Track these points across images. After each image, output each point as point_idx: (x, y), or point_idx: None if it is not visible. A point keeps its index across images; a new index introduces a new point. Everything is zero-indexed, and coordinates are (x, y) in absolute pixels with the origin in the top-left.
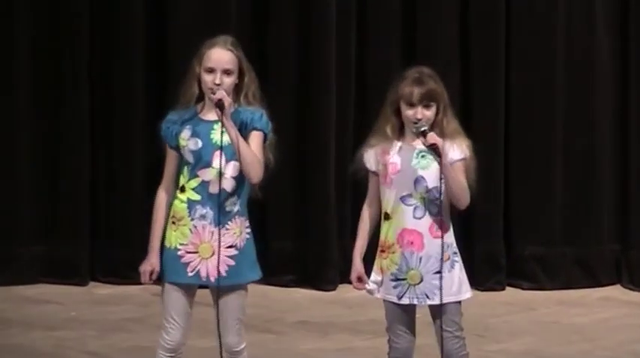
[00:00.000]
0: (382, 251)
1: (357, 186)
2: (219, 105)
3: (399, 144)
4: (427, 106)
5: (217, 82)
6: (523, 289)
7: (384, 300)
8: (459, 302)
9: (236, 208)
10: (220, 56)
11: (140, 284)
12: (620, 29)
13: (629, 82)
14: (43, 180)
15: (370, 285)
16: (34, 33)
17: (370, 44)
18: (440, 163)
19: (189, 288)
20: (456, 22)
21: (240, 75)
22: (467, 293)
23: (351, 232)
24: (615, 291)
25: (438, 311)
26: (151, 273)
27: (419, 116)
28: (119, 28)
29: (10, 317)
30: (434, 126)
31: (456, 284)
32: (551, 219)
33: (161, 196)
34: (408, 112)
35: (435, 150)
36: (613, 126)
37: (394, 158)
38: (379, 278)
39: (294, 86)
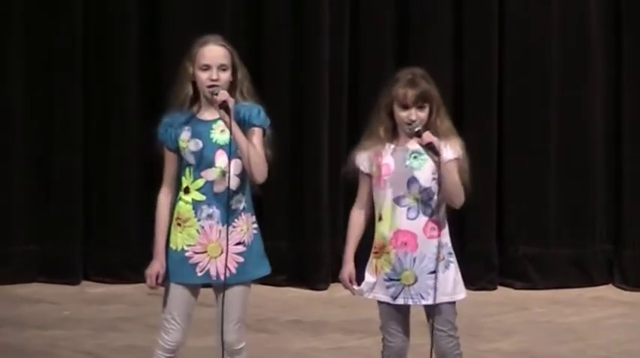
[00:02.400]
0: (376, 252)
1: (349, 186)
2: (224, 106)
3: (392, 145)
4: (421, 107)
5: (214, 77)
6: (516, 289)
7: (378, 301)
8: (454, 302)
9: (242, 205)
10: (215, 52)
11: (133, 283)
12: (614, 28)
13: (622, 84)
14: (36, 180)
15: (361, 286)
16: (29, 31)
17: (363, 44)
18: (437, 162)
19: (195, 289)
20: (449, 22)
21: (234, 71)
22: (461, 293)
23: (344, 232)
24: (608, 291)
25: (432, 311)
26: (157, 277)
27: (413, 117)
28: (113, 28)
29: (3, 317)
30: (427, 126)
31: (451, 284)
32: (544, 218)
33: (163, 199)
34: (402, 114)
35: (432, 148)
36: (606, 126)
37: (387, 159)
38: (373, 279)
39: (287, 87)
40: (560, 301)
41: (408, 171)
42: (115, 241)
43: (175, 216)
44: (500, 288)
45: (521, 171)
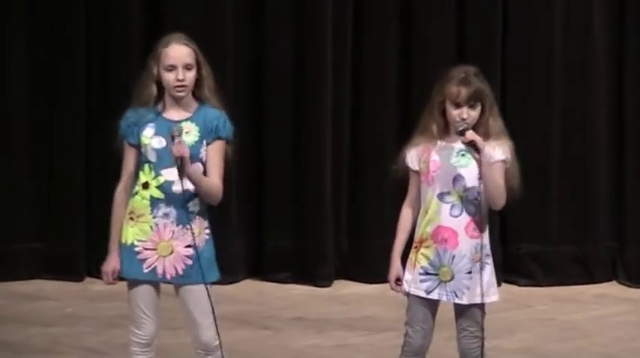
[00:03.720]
0: (415, 246)
1: (352, 184)
2: (179, 163)
3: (441, 142)
4: (473, 106)
5: (180, 77)
6: (519, 286)
7: (410, 294)
8: (484, 304)
9: (197, 208)
10: (179, 52)
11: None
12: (617, 30)
13: (625, 83)
14: (39, 177)
15: (403, 286)
16: (31, 32)
17: (366, 44)
18: (478, 160)
19: (153, 283)
20: (452, 21)
21: (198, 69)
22: (494, 296)
23: (347, 230)
24: (611, 288)
25: (461, 310)
26: (113, 273)
27: (464, 116)
28: (115, 30)
29: (6, 314)
30: (479, 125)
31: (485, 286)
32: (547, 215)
33: (121, 195)
34: (454, 112)
35: (473, 146)
36: (609, 124)
37: (435, 156)
38: (410, 276)
39: (289, 86)
40: (563, 298)
41: (455, 169)
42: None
43: (129, 209)
44: (503, 285)
45: (523, 169)
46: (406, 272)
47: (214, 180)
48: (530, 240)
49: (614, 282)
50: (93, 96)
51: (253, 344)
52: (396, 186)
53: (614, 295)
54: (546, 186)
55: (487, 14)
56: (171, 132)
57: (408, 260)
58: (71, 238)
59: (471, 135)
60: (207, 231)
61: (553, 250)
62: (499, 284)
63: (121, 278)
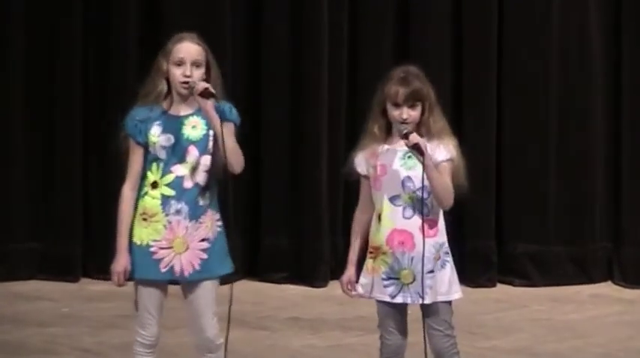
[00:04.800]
0: (371, 252)
1: (348, 184)
2: (207, 93)
3: (386, 145)
4: (412, 106)
5: (187, 73)
6: (514, 286)
7: (376, 300)
8: (449, 301)
9: (208, 202)
10: (189, 49)
11: (133, 280)
12: (614, 28)
13: (622, 83)
14: (36, 178)
15: (359, 290)
16: (29, 35)
17: (362, 43)
18: (422, 163)
19: (162, 284)
20: (448, 21)
21: (207, 69)
22: (456, 293)
23: (343, 230)
24: (607, 288)
25: (428, 310)
26: (124, 273)
27: (404, 116)
28: (113, 30)
29: (3, 314)
30: (420, 125)
31: (446, 284)
32: (543, 216)
33: (128, 194)
34: (394, 112)
35: (417, 149)
36: (606, 124)
37: (382, 160)
38: (367, 280)
39: (286, 85)
40: (559, 299)
41: (403, 171)
42: (114, 239)
43: (140, 211)
44: (499, 286)
45: (520, 169)
46: (362, 276)
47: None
48: (526, 241)
49: (610, 283)
50: (90, 96)
51: (249, 344)
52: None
53: (609, 295)
54: (543, 187)
55: (483, 16)
56: (187, 87)
57: (365, 265)
58: (68, 239)
59: (414, 138)
60: (219, 223)
61: (549, 250)
62: (494, 285)
63: (130, 280)
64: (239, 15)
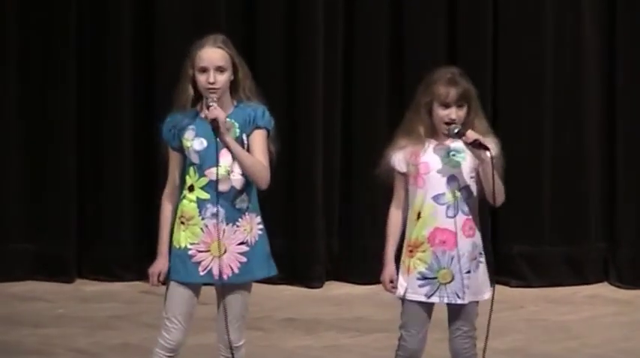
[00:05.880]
0: (410, 251)
1: (344, 185)
2: (214, 125)
3: (430, 144)
4: (460, 106)
5: (211, 80)
6: (510, 287)
7: (406, 299)
8: (477, 302)
9: (246, 205)
10: (211, 55)
11: (127, 281)
12: (609, 28)
13: (616, 83)
14: (31, 179)
15: (399, 290)
16: (22, 33)
17: (357, 44)
18: (490, 157)
19: (196, 288)
20: (443, 20)
21: (234, 71)
22: (487, 293)
23: (338, 231)
24: (603, 289)
25: (457, 311)
26: (159, 276)
27: (453, 116)
28: (106, 28)
29: None
30: (465, 125)
31: (479, 284)
32: (538, 216)
33: (166, 198)
34: (442, 113)
35: (479, 145)
36: (601, 124)
37: (425, 158)
38: (404, 280)
39: (281, 86)
40: (554, 299)
41: (448, 170)
42: (109, 239)
43: (179, 214)
44: (495, 286)
45: (515, 170)
46: (400, 276)
47: (258, 158)
48: (521, 241)
49: (606, 283)
50: (86, 97)
51: (245, 345)
52: (388, 187)
53: (605, 296)
54: (538, 187)
55: (477, 13)
56: (206, 103)
57: (402, 263)
58: (63, 239)
59: (472, 134)
60: (260, 226)
61: (544, 251)
62: (490, 285)
63: (164, 283)
64: (233, 15)
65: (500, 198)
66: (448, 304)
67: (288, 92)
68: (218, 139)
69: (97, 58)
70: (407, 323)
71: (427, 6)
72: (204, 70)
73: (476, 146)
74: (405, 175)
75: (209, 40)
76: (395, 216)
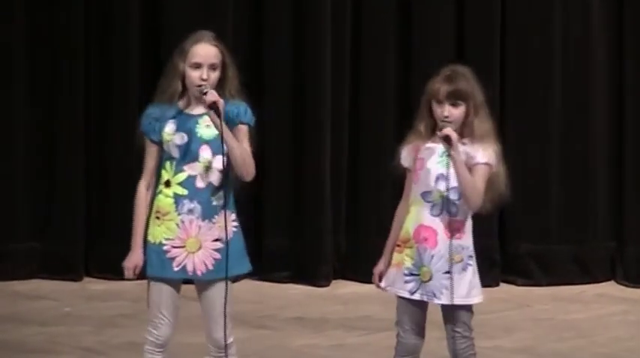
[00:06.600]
0: (399, 245)
1: (351, 183)
2: (214, 107)
3: (428, 141)
4: (455, 105)
5: (204, 77)
6: (518, 286)
7: (397, 296)
8: (469, 305)
9: (222, 202)
10: (207, 51)
11: (131, 279)
12: (617, 29)
13: (624, 83)
14: (38, 177)
15: (382, 283)
16: (31, 33)
17: (365, 42)
18: (449, 155)
19: (177, 283)
20: (451, 19)
21: (223, 69)
22: (476, 297)
23: (345, 229)
24: (610, 288)
25: (447, 312)
26: (135, 269)
27: (446, 113)
28: (114, 28)
29: (4, 313)
30: (464, 126)
31: (466, 287)
32: (546, 215)
33: (143, 192)
34: (437, 110)
35: (447, 141)
36: (608, 123)
37: (422, 154)
38: (391, 274)
39: (289, 85)
40: (562, 298)
41: (438, 168)
42: (116, 238)
43: (155, 209)
44: (502, 285)
45: (523, 168)
46: (389, 269)
47: (246, 149)
48: (529, 240)
49: (613, 282)
50: (92, 96)
51: (251, 344)
52: (395, 186)
53: (612, 295)
54: (545, 186)
55: (486, 12)
56: (200, 91)
57: (393, 258)
58: (70, 238)
59: (447, 130)
60: (235, 223)
61: (552, 250)
62: (497, 284)
63: (140, 277)
64: (240, 10)
65: (472, 201)
66: (441, 305)
67: (295, 92)
68: (217, 122)
69: (104, 58)
70: (400, 319)
71: (435, 5)
72: (197, 66)
73: (445, 141)
74: (410, 171)
75: (204, 36)
76: (399, 210)
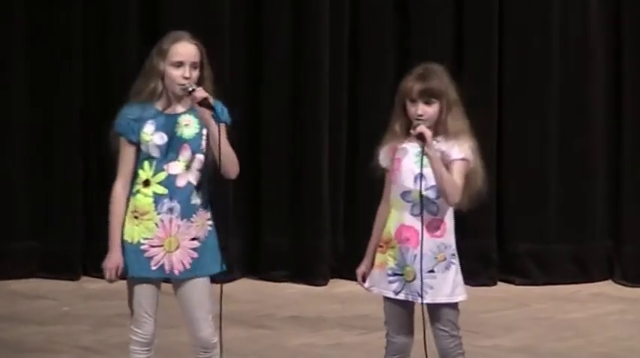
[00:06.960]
0: (381, 246)
1: (349, 183)
2: (205, 103)
3: (404, 141)
4: (428, 103)
5: (187, 75)
6: (515, 285)
7: (383, 296)
8: (454, 303)
9: (200, 201)
10: (188, 50)
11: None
12: (615, 28)
13: (623, 82)
14: (36, 177)
15: (366, 283)
16: (29, 33)
17: (363, 43)
18: (423, 151)
19: (155, 281)
20: (449, 22)
21: (200, 69)
22: (460, 295)
23: (343, 228)
24: (608, 287)
25: (432, 311)
26: (116, 269)
27: (419, 112)
28: (113, 28)
29: (2, 312)
30: (437, 124)
31: (450, 285)
32: (544, 215)
33: (119, 191)
34: (411, 108)
35: (421, 138)
36: (606, 123)
37: (399, 154)
38: (374, 274)
39: (287, 85)
40: (560, 297)
41: (416, 168)
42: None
43: (131, 208)
44: (500, 284)
45: (520, 168)
46: (373, 270)
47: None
48: (527, 239)
49: (611, 281)
50: (90, 96)
51: (249, 343)
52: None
53: (610, 294)
54: (544, 186)
55: (484, 12)
56: (184, 89)
57: (376, 258)
58: (68, 237)
59: (421, 128)
60: (210, 222)
61: (550, 249)
62: (495, 283)
63: (122, 277)
64: (238, 9)
65: (450, 197)
66: (426, 304)
67: (294, 92)
68: (207, 117)
69: (103, 59)
70: (388, 319)
71: (434, 5)
72: (179, 65)
73: (419, 139)
74: (387, 171)
75: (183, 35)
76: (380, 211)
